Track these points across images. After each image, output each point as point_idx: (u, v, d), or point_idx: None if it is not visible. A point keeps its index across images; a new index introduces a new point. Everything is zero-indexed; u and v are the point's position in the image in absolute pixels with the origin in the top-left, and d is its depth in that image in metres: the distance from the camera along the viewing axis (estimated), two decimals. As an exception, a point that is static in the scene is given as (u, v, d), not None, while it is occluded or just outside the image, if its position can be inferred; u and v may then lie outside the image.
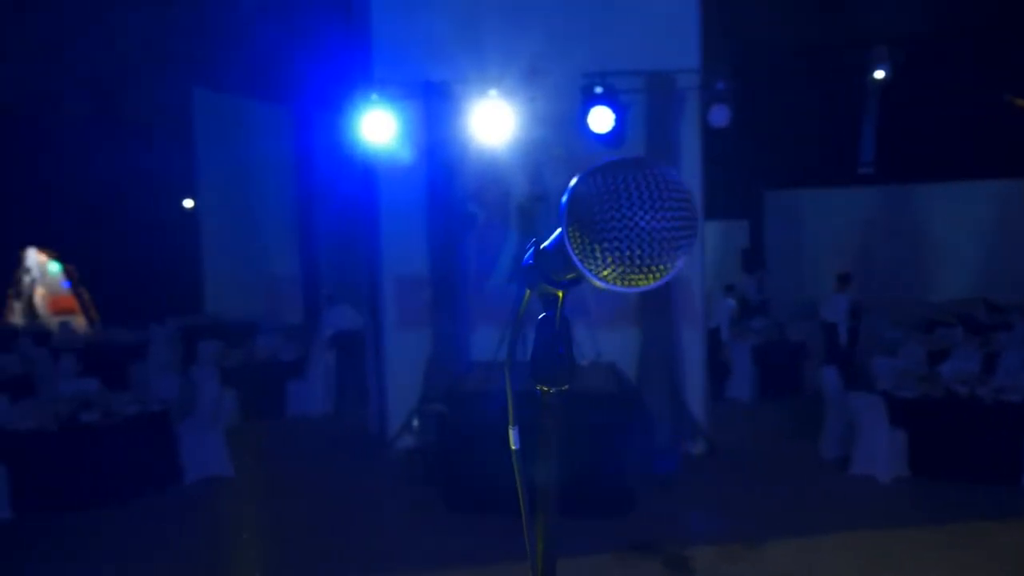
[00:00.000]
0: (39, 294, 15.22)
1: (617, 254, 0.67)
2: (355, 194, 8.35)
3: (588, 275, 0.70)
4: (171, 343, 10.53)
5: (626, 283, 0.69)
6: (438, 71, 6.83)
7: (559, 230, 0.74)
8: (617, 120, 6.59)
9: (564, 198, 0.70)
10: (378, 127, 6.73)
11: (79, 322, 13.98)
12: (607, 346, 6.84)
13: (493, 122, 6.65)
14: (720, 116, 6.78)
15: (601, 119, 6.58)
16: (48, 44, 11.82)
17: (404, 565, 4.99)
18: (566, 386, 0.86)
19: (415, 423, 6.78)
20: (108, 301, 14.19)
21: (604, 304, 6.95)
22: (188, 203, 14.56)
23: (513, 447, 0.92)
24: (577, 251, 0.69)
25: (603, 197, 0.67)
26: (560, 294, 0.86)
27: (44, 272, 15.43)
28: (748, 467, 6.73)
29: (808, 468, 6.63)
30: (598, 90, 6.60)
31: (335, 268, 13.23)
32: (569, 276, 0.81)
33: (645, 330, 6.89)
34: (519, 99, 6.70)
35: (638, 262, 0.67)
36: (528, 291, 0.91)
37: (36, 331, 12.10)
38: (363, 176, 7.64)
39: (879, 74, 11.60)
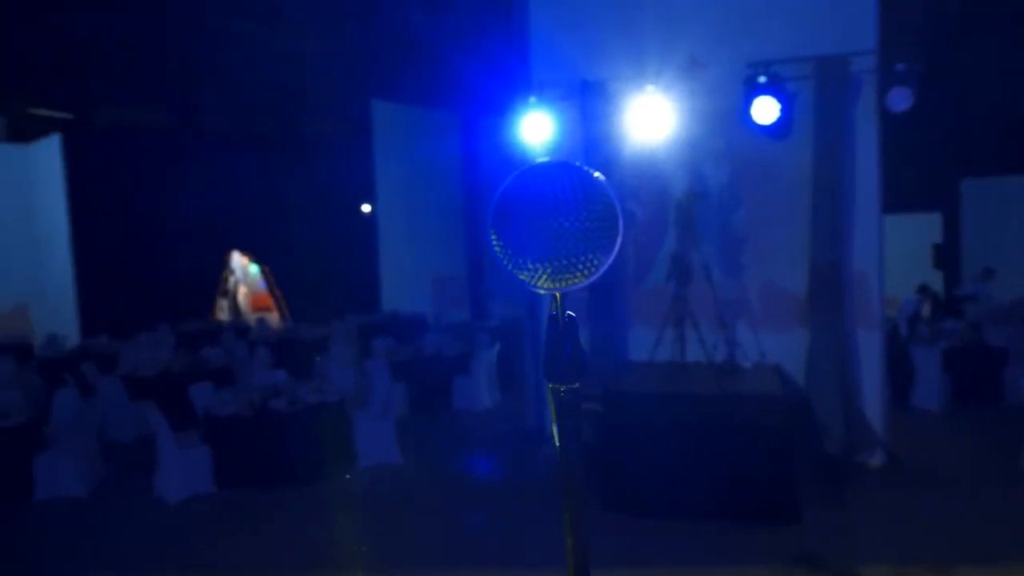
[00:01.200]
0: (242, 293, 16.96)
1: (541, 256, 0.66)
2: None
3: (526, 285, 0.69)
4: (349, 339, 11.35)
5: (560, 284, 0.68)
6: (595, 70, 6.85)
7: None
8: (783, 110, 6.27)
9: (491, 209, 0.69)
10: (536, 129, 6.86)
11: (273, 318, 15.43)
12: (772, 347, 6.54)
13: (650, 118, 6.56)
14: (900, 100, 6.23)
15: (765, 110, 6.30)
16: (246, 71, 13.14)
17: (555, 561, 5.05)
18: (576, 384, 0.85)
19: (571, 421, 6.82)
20: (298, 299, 15.56)
21: (769, 303, 6.63)
22: (366, 208, 15.59)
23: (557, 444, 0.92)
24: (507, 263, 0.68)
25: (525, 206, 0.66)
26: (557, 295, 0.84)
27: (246, 273, 17.16)
28: (935, 481, 6.13)
29: (1007, 486, 5.92)
30: (761, 79, 6.32)
31: (498, 267, 13.64)
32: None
33: (815, 330, 6.48)
34: (677, 94, 6.56)
35: (565, 263, 0.66)
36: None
37: (238, 326, 13.51)
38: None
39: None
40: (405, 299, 14.40)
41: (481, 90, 11.02)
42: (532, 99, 6.90)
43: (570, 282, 0.68)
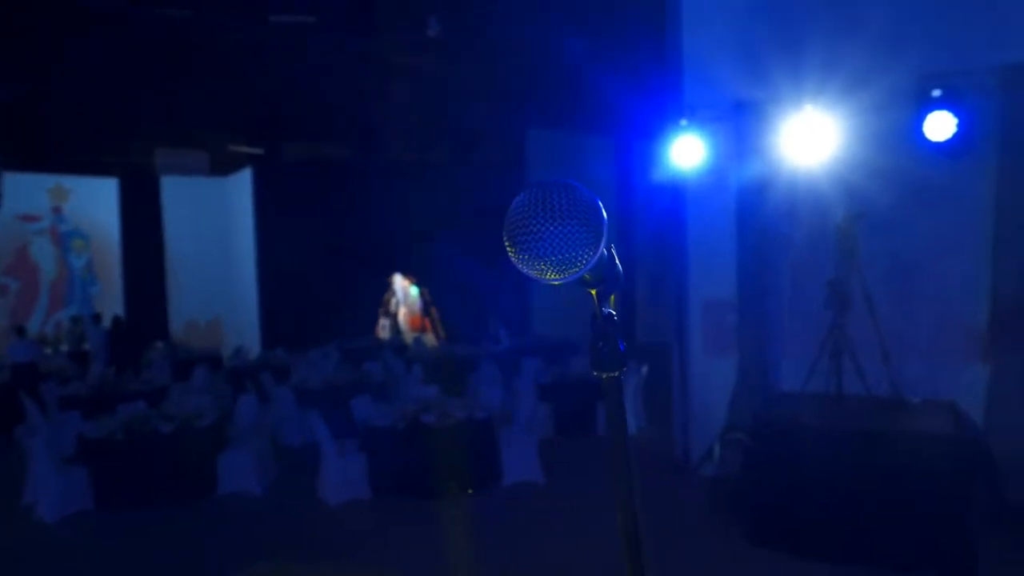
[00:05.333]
0: (402, 313, 17.90)
1: (531, 256, 0.79)
2: (666, 218, 8.49)
3: (542, 280, 0.80)
4: (500, 359, 11.64)
5: (566, 275, 0.79)
6: (749, 90, 6.69)
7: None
8: (960, 126, 5.80)
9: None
10: (687, 151, 6.80)
11: (429, 338, 16.15)
12: (945, 383, 5.99)
13: (809, 138, 6.30)
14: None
15: (940, 126, 5.85)
16: (413, 106, 14.02)
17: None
18: (616, 373, 0.95)
19: (717, 451, 6.61)
20: (454, 321, 16.21)
21: (942, 336, 6.10)
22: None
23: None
24: (520, 264, 0.79)
25: (518, 218, 0.78)
26: (593, 292, 0.94)
27: (407, 295, 18.11)
28: None
29: None
30: (936, 93, 5.88)
31: (650, 291, 13.49)
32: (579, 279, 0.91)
33: (997, 367, 5.88)
34: (839, 112, 6.26)
35: (557, 260, 0.79)
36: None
37: (396, 344, 14.28)
38: (672, 201, 7.74)
39: None
40: (555, 322, 14.58)
41: (634, 115, 11.06)
42: (683, 122, 6.85)
43: (570, 272, 0.82)
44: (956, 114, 5.79)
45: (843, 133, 6.24)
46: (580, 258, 0.81)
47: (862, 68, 6.19)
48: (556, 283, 0.83)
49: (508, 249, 0.82)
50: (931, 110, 5.86)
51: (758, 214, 6.68)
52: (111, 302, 16.33)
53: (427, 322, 17.21)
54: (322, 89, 13.67)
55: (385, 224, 15.19)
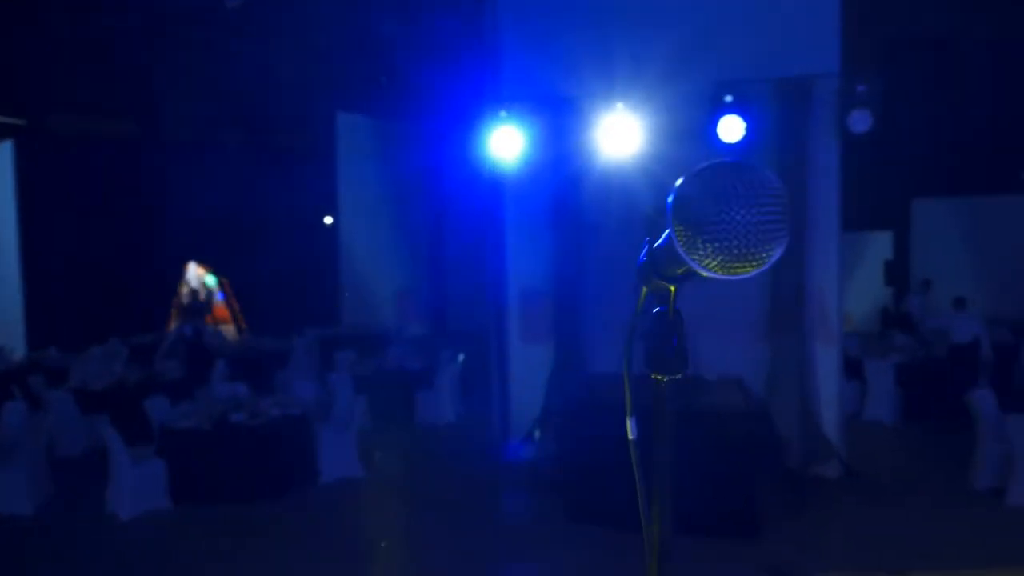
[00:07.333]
0: (197, 304, 16.55)
1: (719, 246, 0.71)
2: (483, 208, 8.57)
3: (696, 267, 0.75)
4: (311, 352, 11.17)
5: (730, 272, 0.74)
6: (566, 87, 6.91)
7: (668, 230, 0.80)
8: (748, 129, 6.40)
9: (669, 199, 0.75)
10: (506, 143, 6.88)
11: (230, 331, 15.12)
12: (734, 361, 6.62)
13: (619, 135, 6.64)
14: (861, 121, 6.43)
15: (731, 129, 6.42)
16: (208, 82, 12.97)
17: (519, 572, 5.04)
18: (679, 375, 0.92)
19: (536, 434, 6.83)
20: (257, 312, 15.28)
21: (732, 317, 6.72)
22: (327, 220, 15.43)
23: (630, 437, 0.97)
24: (685, 247, 0.74)
25: (705, 197, 0.73)
26: (672, 289, 0.92)
27: (202, 285, 16.79)
28: (888, 493, 6.28)
29: (957, 497, 6.10)
30: (728, 99, 6.45)
31: (462, 281, 13.61)
32: (679, 271, 0.88)
33: (774, 345, 6.61)
34: (646, 111, 6.66)
35: (738, 252, 0.71)
36: (644, 288, 0.99)
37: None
38: (491, 191, 7.82)
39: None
40: (366, 312, 14.26)
41: (452, 103, 11.03)
42: (502, 113, 6.92)
43: (739, 271, 0.75)
44: (745, 118, 6.39)
45: (649, 130, 6.65)
46: (767, 252, 0.73)
47: (666, 71, 6.62)
48: (706, 275, 0.75)
49: (677, 231, 0.72)
50: (724, 113, 6.42)
51: (573, 205, 6.95)
52: None
53: (225, 311, 16.11)
54: (101, 56, 12.20)
55: (178, 209, 13.91)
